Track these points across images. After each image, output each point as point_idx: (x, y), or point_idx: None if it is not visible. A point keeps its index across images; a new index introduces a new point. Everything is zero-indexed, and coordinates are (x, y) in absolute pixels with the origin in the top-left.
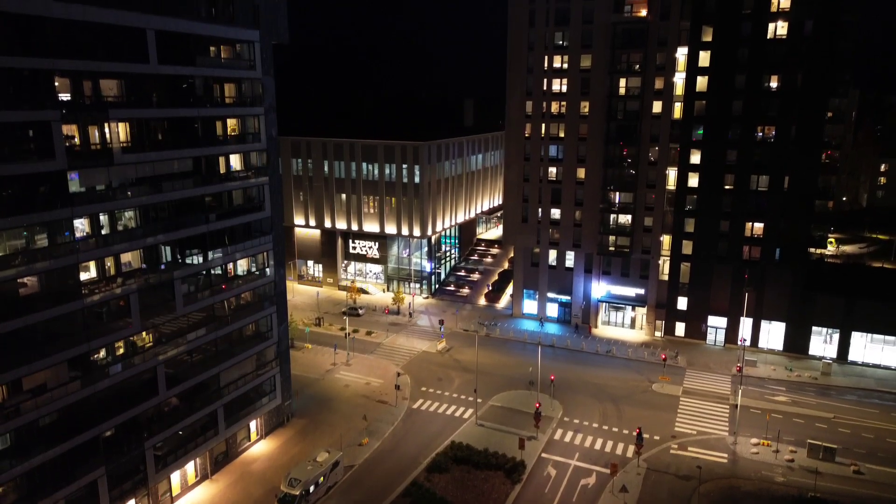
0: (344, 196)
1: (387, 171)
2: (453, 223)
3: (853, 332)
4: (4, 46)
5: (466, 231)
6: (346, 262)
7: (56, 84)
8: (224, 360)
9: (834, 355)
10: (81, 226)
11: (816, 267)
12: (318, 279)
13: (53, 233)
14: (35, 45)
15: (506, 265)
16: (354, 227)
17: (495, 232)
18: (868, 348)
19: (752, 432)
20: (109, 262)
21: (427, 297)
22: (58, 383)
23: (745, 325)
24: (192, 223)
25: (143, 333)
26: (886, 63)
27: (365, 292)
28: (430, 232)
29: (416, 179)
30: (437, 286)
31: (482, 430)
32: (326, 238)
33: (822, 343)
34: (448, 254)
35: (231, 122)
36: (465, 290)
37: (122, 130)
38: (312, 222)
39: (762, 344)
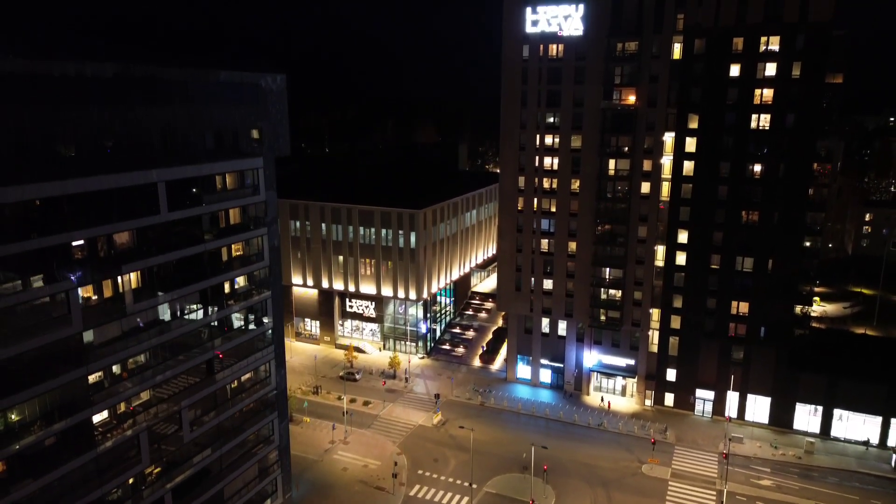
0: (341, 258)
1: (383, 234)
2: (448, 281)
3: (836, 409)
4: (22, 231)
5: (461, 285)
6: (342, 320)
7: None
8: (228, 474)
9: (818, 430)
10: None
11: (800, 342)
12: (315, 337)
13: (68, 391)
14: (51, 222)
15: (500, 322)
16: (351, 287)
17: (489, 283)
18: (850, 421)
19: None
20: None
21: (423, 358)
22: None
23: (732, 397)
24: (199, 348)
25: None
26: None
27: (361, 351)
28: (425, 294)
29: (412, 244)
30: (432, 344)
31: None
32: (324, 297)
33: (807, 416)
34: (444, 308)
35: (236, 245)
36: (461, 350)
37: (132, 277)
38: (310, 282)
39: (748, 416)
